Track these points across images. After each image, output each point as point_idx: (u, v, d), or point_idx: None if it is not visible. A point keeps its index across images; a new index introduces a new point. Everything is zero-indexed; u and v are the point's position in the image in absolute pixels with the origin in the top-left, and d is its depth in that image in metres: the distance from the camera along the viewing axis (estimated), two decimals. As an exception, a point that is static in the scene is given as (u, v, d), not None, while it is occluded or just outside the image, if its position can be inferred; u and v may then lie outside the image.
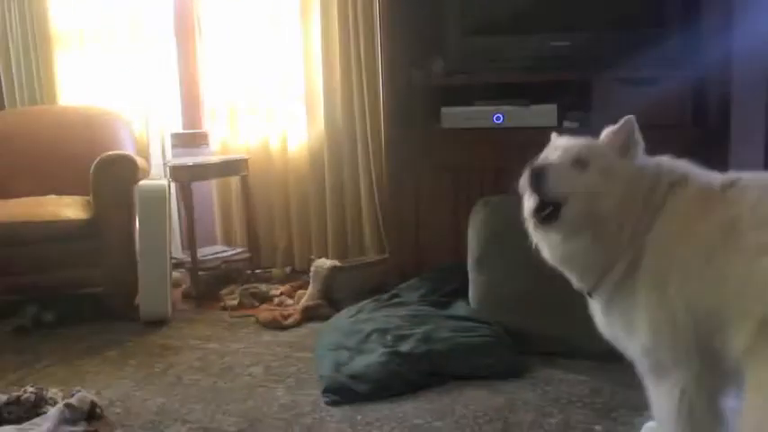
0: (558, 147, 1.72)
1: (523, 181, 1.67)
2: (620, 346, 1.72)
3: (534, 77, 3.12)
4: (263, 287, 3.60)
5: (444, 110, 3.16)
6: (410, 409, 2.27)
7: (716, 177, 1.61)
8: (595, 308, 1.77)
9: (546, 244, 1.72)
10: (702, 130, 3.10)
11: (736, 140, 3.21)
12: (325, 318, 3.10)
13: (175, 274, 3.75)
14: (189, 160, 3.72)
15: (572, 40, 3.15)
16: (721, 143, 3.05)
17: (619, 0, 3.19)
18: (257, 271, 3.94)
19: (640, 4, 3.16)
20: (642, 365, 1.65)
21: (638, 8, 3.16)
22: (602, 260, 1.65)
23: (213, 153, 4.08)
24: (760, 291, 1.37)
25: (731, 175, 1.60)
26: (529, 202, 1.70)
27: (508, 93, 3.17)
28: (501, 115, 3.09)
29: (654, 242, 1.59)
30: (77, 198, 3.46)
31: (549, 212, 1.63)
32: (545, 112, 3.07)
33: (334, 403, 2.33)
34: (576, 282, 1.75)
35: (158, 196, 3.28)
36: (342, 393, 2.36)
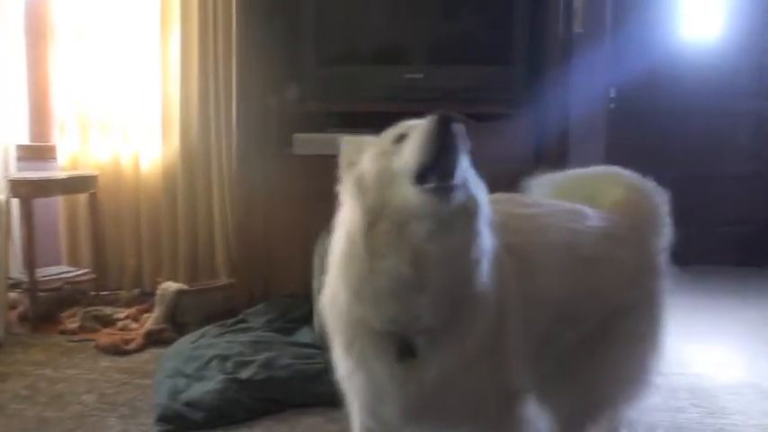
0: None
1: (427, 133, 1.26)
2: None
3: (386, 108, 3.19)
4: (108, 310, 3.45)
5: (296, 136, 3.18)
6: (246, 437, 2.25)
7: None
8: (400, 375, 1.38)
9: (407, 240, 1.29)
10: (543, 165, 3.28)
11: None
12: (170, 343, 3.01)
13: (12, 295, 3.53)
14: (31, 174, 3.53)
15: (425, 72, 3.26)
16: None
17: (470, 37, 3.34)
18: (103, 293, 3.77)
19: (490, 43, 3.32)
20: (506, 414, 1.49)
21: (487, 46, 3.32)
22: (472, 268, 1.33)
23: (62, 168, 3.90)
24: None
25: None
26: (412, 160, 1.27)
27: (362, 122, 3.23)
28: (352, 144, 3.14)
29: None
30: None
31: (452, 184, 1.26)
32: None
33: (167, 432, 2.27)
34: (430, 309, 1.32)
35: (-8, 212, 3.10)
36: (177, 422, 2.30)
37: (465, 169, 1.32)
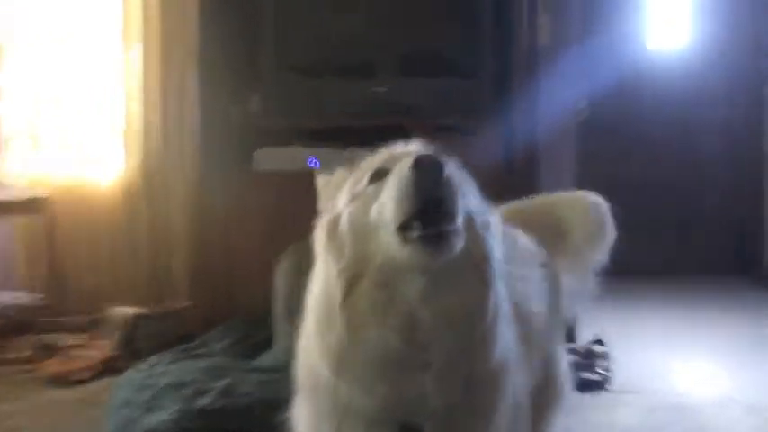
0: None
1: (401, 181, 1.00)
2: None
3: (353, 121, 3.12)
4: (60, 337, 3.29)
5: (257, 152, 3.08)
6: (201, 471, 2.11)
7: None
8: None
9: (397, 303, 1.04)
10: (513, 176, 3.22)
11: (546, 184, 3.34)
12: (124, 371, 2.85)
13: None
14: (-22, 197, 3.38)
15: (390, 86, 3.20)
16: (531, 187, 3.16)
17: (436, 50, 3.30)
18: (59, 319, 3.60)
19: (456, 56, 3.29)
20: None
21: (453, 59, 3.29)
22: (487, 332, 1.07)
23: (13, 188, 3.73)
24: None
25: None
26: (396, 209, 1.00)
27: (327, 136, 3.14)
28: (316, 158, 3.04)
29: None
30: None
31: (446, 230, 0.99)
32: (361, 157, 3.05)
33: (116, 468, 2.12)
34: (437, 390, 1.05)
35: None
36: (128, 455, 2.16)
37: (468, 206, 1.07)
